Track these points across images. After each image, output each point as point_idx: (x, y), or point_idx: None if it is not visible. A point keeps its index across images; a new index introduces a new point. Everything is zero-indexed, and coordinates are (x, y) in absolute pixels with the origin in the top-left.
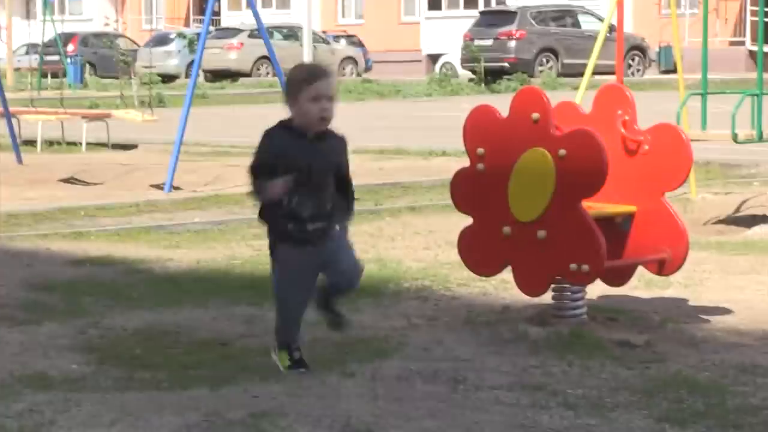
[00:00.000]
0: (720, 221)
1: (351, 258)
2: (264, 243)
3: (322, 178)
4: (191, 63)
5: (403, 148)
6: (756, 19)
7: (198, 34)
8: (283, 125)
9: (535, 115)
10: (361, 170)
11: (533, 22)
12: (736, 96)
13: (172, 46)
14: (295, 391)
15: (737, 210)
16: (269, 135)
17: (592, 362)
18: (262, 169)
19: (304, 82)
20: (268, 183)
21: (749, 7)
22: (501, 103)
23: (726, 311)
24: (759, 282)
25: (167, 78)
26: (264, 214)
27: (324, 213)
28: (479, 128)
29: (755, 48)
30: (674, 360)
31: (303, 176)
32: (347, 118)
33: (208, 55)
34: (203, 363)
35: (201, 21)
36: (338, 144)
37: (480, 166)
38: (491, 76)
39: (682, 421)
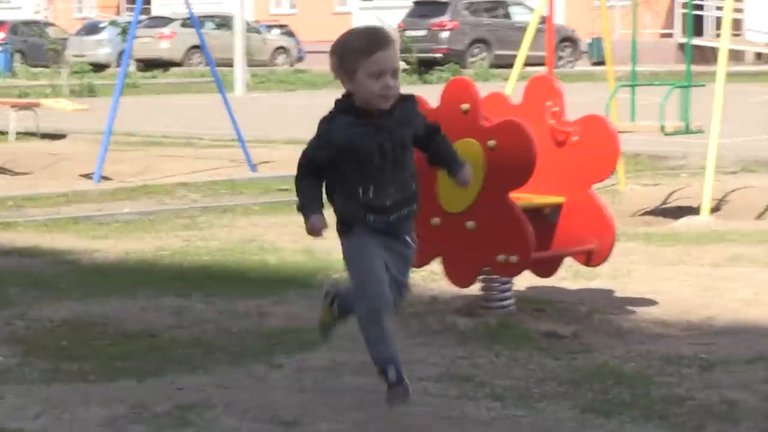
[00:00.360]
0: (648, 212)
1: (401, 272)
2: (194, 233)
3: (399, 156)
4: (123, 52)
5: None
6: (686, 11)
7: (130, 23)
8: (341, 108)
9: (465, 106)
10: (293, 162)
11: (465, 13)
12: (665, 88)
13: (103, 35)
14: (222, 383)
15: (665, 201)
16: (327, 123)
17: (519, 353)
18: (312, 163)
19: (363, 54)
20: (310, 212)
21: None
22: (433, 93)
23: (652, 302)
24: (685, 273)
25: (98, 67)
26: (333, 200)
27: (408, 196)
28: None
29: (685, 40)
30: (601, 351)
31: (376, 161)
32: (280, 108)
33: (139, 44)
34: (131, 354)
35: (133, 9)
36: (408, 109)
37: None
38: (424, 67)
39: (607, 411)
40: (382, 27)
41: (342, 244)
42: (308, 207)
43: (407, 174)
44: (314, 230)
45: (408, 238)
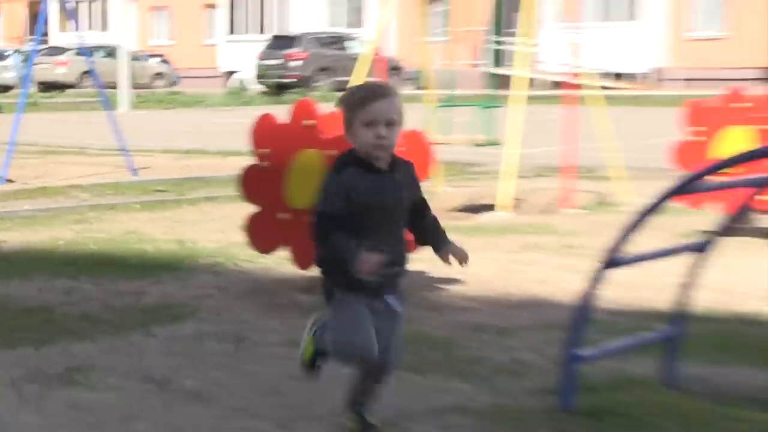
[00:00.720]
0: (459, 209)
1: (397, 339)
2: (84, 227)
3: (397, 216)
4: (25, 76)
5: (204, 149)
6: (492, 46)
7: (32, 51)
8: (346, 160)
9: (309, 122)
10: (168, 168)
11: (313, 45)
12: (475, 108)
13: (8, 61)
14: (106, 350)
15: (471, 200)
16: (337, 174)
17: None
18: (333, 218)
19: (358, 105)
20: (358, 253)
21: (487, 36)
22: (286, 112)
23: (461, 282)
24: (487, 258)
25: (4, 88)
26: (325, 263)
27: (398, 258)
28: (263, 132)
29: (491, 70)
30: (418, 321)
31: (376, 218)
32: (158, 123)
33: (39, 69)
34: (28, 327)
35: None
36: (407, 172)
37: (264, 163)
38: (279, 90)
39: (422, 370)
40: (385, 82)
41: (331, 307)
42: (348, 251)
43: (400, 236)
44: (372, 263)
45: (389, 300)
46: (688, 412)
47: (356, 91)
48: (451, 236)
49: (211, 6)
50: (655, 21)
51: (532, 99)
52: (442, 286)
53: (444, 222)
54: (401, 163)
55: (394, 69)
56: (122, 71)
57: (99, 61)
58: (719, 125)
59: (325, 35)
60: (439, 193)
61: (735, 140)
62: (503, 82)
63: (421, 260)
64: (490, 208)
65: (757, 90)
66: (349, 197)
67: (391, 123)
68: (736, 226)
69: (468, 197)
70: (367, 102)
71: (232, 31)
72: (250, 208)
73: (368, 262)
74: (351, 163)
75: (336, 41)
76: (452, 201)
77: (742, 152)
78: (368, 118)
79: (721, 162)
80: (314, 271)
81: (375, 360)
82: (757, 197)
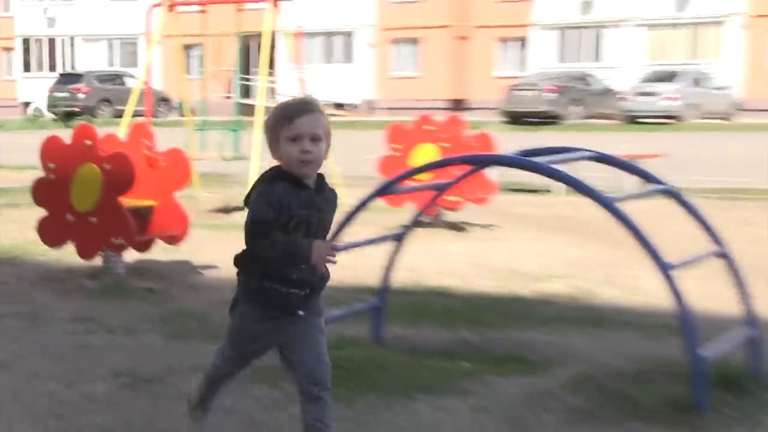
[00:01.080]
0: (215, 211)
1: (316, 348)
2: None
3: (320, 235)
4: None
5: (4, 165)
6: (240, 82)
7: None
8: (276, 175)
9: (88, 142)
10: None
11: (95, 81)
12: (225, 130)
13: None
14: None
15: (225, 203)
16: (268, 182)
17: (127, 302)
18: (267, 223)
19: (283, 122)
20: (309, 243)
21: (237, 75)
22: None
23: (215, 267)
24: (237, 248)
25: None
26: (244, 265)
27: (317, 278)
28: (50, 150)
29: (238, 100)
30: (181, 299)
31: (300, 234)
32: None
33: None
34: None
35: None
36: (333, 198)
37: (51, 176)
38: (68, 117)
39: (184, 336)
40: (309, 97)
41: (231, 318)
42: (298, 242)
43: None
44: (325, 249)
45: (301, 312)
46: (392, 364)
47: (281, 108)
48: (209, 232)
49: (10, 49)
50: (366, 63)
51: None
52: (199, 270)
53: (203, 221)
54: (328, 189)
55: (163, 100)
56: None
57: None
58: (413, 143)
59: (104, 73)
60: (199, 198)
61: (425, 154)
62: (249, 110)
63: (182, 252)
64: (240, 209)
65: (442, 117)
66: (281, 208)
67: (316, 138)
68: (426, 220)
69: (222, 201)
70: (291, 117)
71: (27, 69)
72: (42, 212)
73: (322, 247)
74: (281, 178)
75: (115, 78)
76: (210, 204)
77: (428, 163)
78: (293, 133)
79: (412, 170)
80: (96, 261)
81: (225, 374)
82: (442, 197)
